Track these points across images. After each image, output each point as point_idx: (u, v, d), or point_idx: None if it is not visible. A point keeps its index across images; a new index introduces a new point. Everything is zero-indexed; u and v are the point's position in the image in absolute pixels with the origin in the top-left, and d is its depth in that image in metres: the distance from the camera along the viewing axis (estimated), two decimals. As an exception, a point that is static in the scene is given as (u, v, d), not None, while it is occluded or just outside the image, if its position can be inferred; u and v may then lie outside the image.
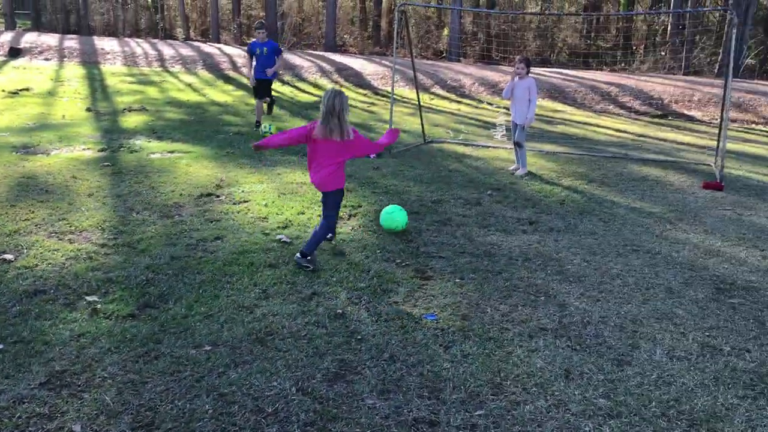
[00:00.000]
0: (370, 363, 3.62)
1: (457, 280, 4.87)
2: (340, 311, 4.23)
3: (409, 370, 3.57)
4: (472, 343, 3.89)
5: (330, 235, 5.49)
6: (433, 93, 19.02)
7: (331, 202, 5.10)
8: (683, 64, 24.03)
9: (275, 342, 3.81)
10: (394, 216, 5.89)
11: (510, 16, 28.41)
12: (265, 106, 11.55)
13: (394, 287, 4.68)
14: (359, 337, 3.91)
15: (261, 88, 11.09)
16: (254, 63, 10.93)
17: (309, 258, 4.91)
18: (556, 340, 3.98)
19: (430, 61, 25.11)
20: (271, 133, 10.12)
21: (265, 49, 10.74)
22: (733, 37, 8.90)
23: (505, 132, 12.34)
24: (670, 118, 16.73)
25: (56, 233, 5.53)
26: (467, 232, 6.07)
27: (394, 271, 5.00)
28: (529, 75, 8.77)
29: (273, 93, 11.66)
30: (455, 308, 4.37)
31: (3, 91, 14.87)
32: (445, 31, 29.91)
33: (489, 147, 10.85)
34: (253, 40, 11.30)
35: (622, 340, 4.03)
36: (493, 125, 13.56)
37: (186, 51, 24.95)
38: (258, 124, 11.28)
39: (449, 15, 27.58)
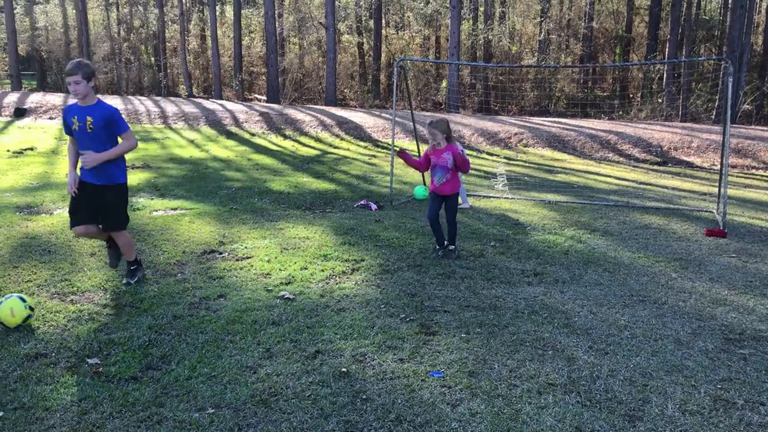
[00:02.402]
0: (377, 424, 3.55)
1: (462, 335, 4.81)
2: (345, 370, 4.17)
3: (416, 431, 3.49)
4: (480, 401, 3.81)
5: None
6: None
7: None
8: (680, 111, 24.29)
9: (279, 403, 3.74)
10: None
11: (507, 68, 28.86)
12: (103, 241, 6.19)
13: (399, 343, 4.62)
14: (364, 396, 3.84)
15: (84, 203, 5.51)
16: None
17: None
18: (566, 396, 3.91)
19: (429, 113, 25.42)
20: None
21: (89, 119, 5.28)
22: (729, 85, 9.00)
23: (506, 182, 12.39)
24: (669, 165, 16.82)
25: (58, 294, 5.50)
26: (471, 285, 6.03)
27: (399, 326, 4.95)
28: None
29: (273, 147, 11.54)
30: (462, 364, 4.30)
31: (8, 151, 15.03)
32: (444, 83, 30.35)
33: (490, 197, 10.88)
34: (71, 102, 6.60)
35: (633, 394, 3.95)
36: (494, 175, 13.63)
37: (189, 108, 25.29)
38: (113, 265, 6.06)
39: (447, 68, 28.03)
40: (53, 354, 4.32)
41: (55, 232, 7.55)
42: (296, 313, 5.15)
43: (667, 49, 27.36)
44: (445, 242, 7.07)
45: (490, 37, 32.60)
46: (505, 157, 17.33)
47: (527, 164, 16.11)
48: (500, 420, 3.61)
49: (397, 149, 7.56)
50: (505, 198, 10.85)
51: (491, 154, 17.81)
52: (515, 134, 19.90)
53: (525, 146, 19.09)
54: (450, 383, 4.03)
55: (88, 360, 4.23)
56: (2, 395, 3.76)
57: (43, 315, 5.00)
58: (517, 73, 29.60)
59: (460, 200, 9.31)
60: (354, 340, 4.65)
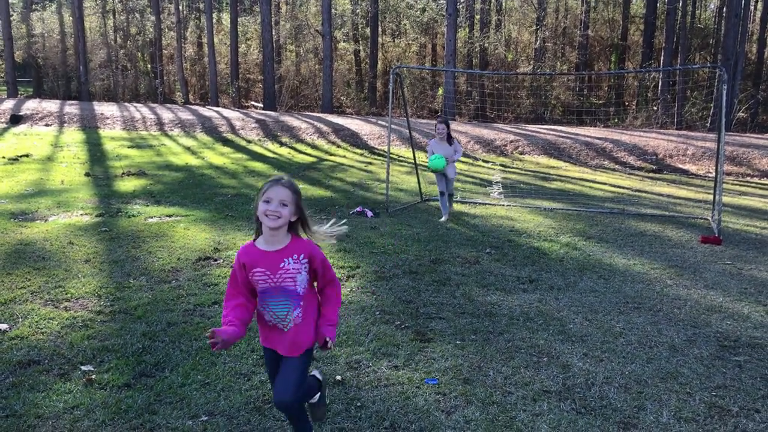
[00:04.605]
0: (371, 431, 3.53)
1: (457, 342, 4.80)
2: (340, 377, 4.16)
3: (411, 437, 3.47)
4: (475, 408, 3.80)
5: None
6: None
7: None
8: (675, 119, 24.37)
9: (273, 411, 3.72)
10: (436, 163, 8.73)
11: (503, 76, 28.93)
12: None
13: (394, 350, 4.61)
14: (359, 404, 3.83)
15: None
16: None
17: None
18: (561, 403, 3.90)
19: (425, 120, 25.45)
20: None
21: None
22: (724, 92, 9.04)
23: (502, 189, 12.40)
24: (665, 172, 16.86)
25: (52, 301, 5.47)
26: (467, 292, 6.02)
27: (394, 333, 4.94)
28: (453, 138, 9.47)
29: (269, 155, 11.43)
30: (456, 372, 4.29)
31: (3, 157, 14.99)
32: (440, 91, 30.42)
33: (486, 204, 10.88)
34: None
35: (628, 401, 3.94)
36: (490, 183, 13.64)
37: (185, 115, 25.28)
38: None
39: (443, 75, 28.10)
40: (46, 361, 4.30)
41: (50, 239, 7.53)
42: (291, 320, 5.12)
43: (662, 57, 27.49)
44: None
45: (486, 44, 32.70)
46: (500, 165, 17.35)
47: (523, 172, 16.13)
48: (495, 427, 3.60)
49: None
50: (500, 205, 10.85)
51: (487, 162, 17.83)
52: (511, 141, 19.93)
53: (521, 154, 19.12)
54: (445, 390, 4.02)
55: (82, 367, 4.21)
56: (-6, 402, 3.74)
57: (36, 322, 4.98)
58: (513, 80, 29.68)
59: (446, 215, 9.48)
60: (349, 347, 4.64)
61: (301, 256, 3.06)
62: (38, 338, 4.68)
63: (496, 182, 13.49)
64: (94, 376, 4.08)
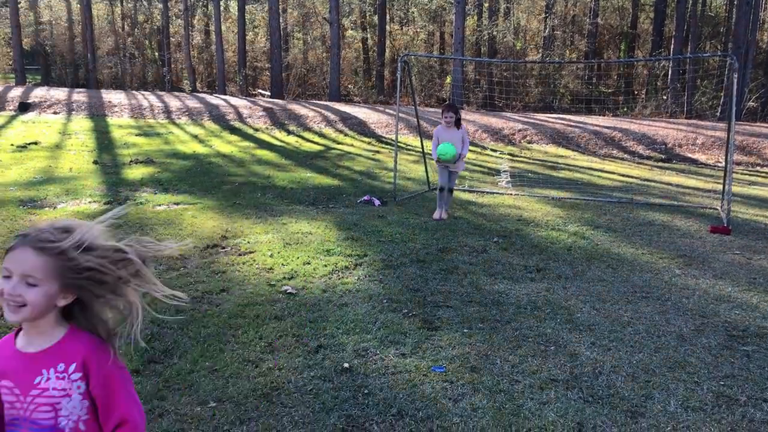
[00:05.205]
0: (378, 419, 3.54)
1: (465, 330, 4.80)
2: (347, 365, 4.17)
3: (418, 425, 3.49)
4: (482, 396, 3.81)
5: None
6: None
7: None
8: (685, 108, 24.23)
9: (281, 397, 3.74)
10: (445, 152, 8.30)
11: (512, 64, 28.79)
12: None
13: (401, 338, 4.61)
14: (366, 391, 3.84)
15: None
16: None
17: None
18: (568, 391, 3.90)
19: (433, 109, 25.37)
20: None
21: None
22: (735, 81, 8.97)
23: (509, 178, 12.37)
24: (674, 162, 16.77)
25: (61, 288, 5.50)
26: (474, 281, 6.02)
27: (401, 321, 4.95)
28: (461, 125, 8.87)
29: (277, 143, 11.46)
30: (464, 360, 4.30)
31: (12, 145, 15.04)
32: (448, 79, 30.32)
33: (494, 193, 10.86)
34: None
35: (635, 390, 3.94)
36: (498, 171, 13.61)
37: (192, 103, 25.29)
38: None
39: (451, 63, 28.00)
40: (56, 347, 4.32)
41: (59, 226, 7.55)
42: (299, 308, 5.14)
43: (672, 46, 27.29)
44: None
45: (495, 33, 32.53)
46: (508, 154, 17.30)
47: (531, 161, 16.08)
48: (502, 415, 3.61)
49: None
50: (508, 194, 10.83)
51: (495, 150, 17.78)
52: (519, 130, 19.86)
53: (529, 142, 19.05)
54: (452, 378, 4.03)
55: (91, 353, 4.23)
56: (5, 388, 3.76)
57: (45, 308, 5.01)
58: (522, 69, 29.53)
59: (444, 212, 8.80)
60: (356, 335, 4.65)
61: (72, 366, 1.78)
62: (48, 324, 4.70)
63: (504, 171, 13.46)
64: (103, 363, 4.10)
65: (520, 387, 3.94)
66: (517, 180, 12.38)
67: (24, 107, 23.77)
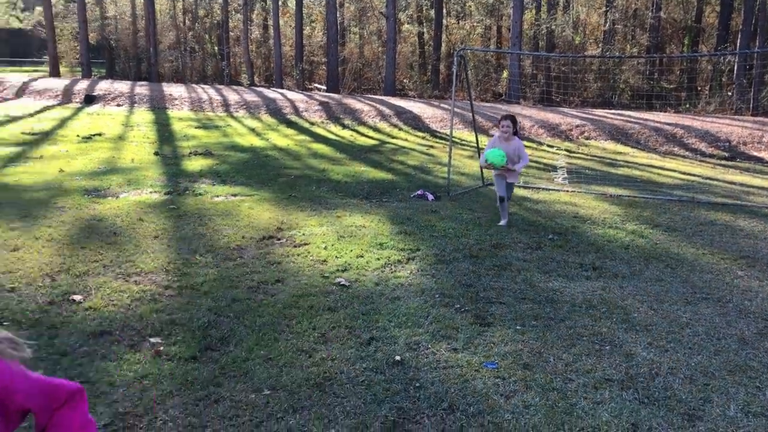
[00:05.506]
0: (429, 412, 3.55)
1: (518, 327, 4.77)
2: (399, 357, 4.19)
3: (469, 420, 3.48)
4: (534, 394, 3.78)
5: None
6: (492, 135, 18.98)
7: None
8: (751, 104, 23.40)
9: (333, 387, 3.78)
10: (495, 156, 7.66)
11: (570, 59, 28.30)
12: None
13: (453, 333, 4.61)
14: (418, 384, 3.85)
15: None
16: None
17: None
18: (623, 392, 3.84)
19: (489, 104, 25.17)
20: None
21: None
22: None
23: (566, 174, 12.18)
24: (738, 160, 16.23)
25: (123, 275, 5.68)
26: (528, 278, 5.96)
27: (453, 316, 4.94)
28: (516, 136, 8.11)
29: (332, 137, 11.28)
30: (516, 357, 4.27)
31: (77, 136, 15.56)
32: (505, 74, 30.00)
33: (549, 190, 10.72)
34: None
35: (693, 393, 3.85)
36: (554, 168, 13.41)
37: (250, 96, 25.68)
38: None
39: (508, 58, 27.68)
40: (117, 332, 4.48)
41: (121, 215, 7.80)
42: (351, 300, 5.19)
43: (738, 40, 26.34)
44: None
45: (554, 27, 32.01)
46: (565, 150, 17.03)
47: (588, 157, 15.79)
48: (554, 413, 3.57)
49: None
50: (564, 191, 10.67)
51: (551, 146, 17.53)
52: (577, 126, 19.52)
53: (587, 139, 18.72)
54: (504, 375, 4.01)
55: (150, 339, 4.37)
56: (70, 369, 3.91)
57: (108, 294, 5.18)
58: (581, 63, 28.98)
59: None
60: (408, 329, 4.67)
61: None
62: (110, 310, 4.87)
63: (561, 167, 13.25)
64: (162, 348, 4.22)
65: (574, 386, 3.89)
66: (573, 176, 12.18)
67: (89, 99, 24.57)
